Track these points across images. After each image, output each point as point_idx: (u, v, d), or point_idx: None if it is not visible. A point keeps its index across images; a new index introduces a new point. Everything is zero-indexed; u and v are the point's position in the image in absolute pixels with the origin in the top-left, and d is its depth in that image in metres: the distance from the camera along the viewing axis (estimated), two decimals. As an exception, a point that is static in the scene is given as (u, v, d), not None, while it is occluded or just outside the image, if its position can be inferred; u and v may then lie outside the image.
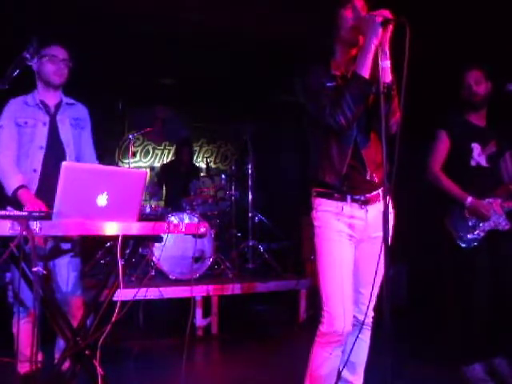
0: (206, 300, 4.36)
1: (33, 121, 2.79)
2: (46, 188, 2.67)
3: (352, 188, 2.13)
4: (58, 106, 2.90)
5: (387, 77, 2.00)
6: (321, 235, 2.17)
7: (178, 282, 4.44)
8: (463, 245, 3.03)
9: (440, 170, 3.13)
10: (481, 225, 3.03)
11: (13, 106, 2.80)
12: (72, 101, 2.98)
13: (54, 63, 2.82)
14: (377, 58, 1.96)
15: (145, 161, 7.83)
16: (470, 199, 3.02)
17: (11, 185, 2.65)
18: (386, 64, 2.00)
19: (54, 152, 2.79)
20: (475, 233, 3.03)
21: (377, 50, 1.96)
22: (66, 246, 2.80)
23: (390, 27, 1.95)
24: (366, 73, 2.00)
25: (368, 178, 2.14)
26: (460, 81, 3.15)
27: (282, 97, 6.97)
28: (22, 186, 2.64)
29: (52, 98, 2.89)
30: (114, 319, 2.17)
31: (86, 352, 2.30)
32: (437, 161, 3.15)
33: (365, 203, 2.15)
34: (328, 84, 2.12)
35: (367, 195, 2.15)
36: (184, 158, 6.24)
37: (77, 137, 2.92)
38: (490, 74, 3.12)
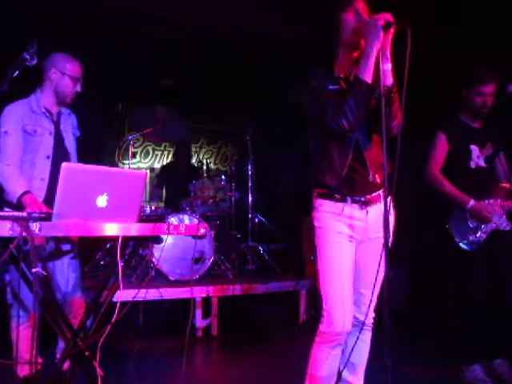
0: (206, 301, 4.35)
1: (40, 129, 2.77)
2: (54, 196, 2.65)
3: (352, 189, 2.13)
4: (59, 115, 2.90)
5: (388, 80, 2.00)
6: (321, 236, 2.17)
7: (177, 283, 4.43)
8: (466, 247, 3.03)
9: (440, 172, 3.12)
10: (482, 227, 3.03)
11: (19, 110, 2.74)
12: (68, 110, 2.99)
13: (73, 86, 2.82)
14: (378, 61, 1.96)
15: (145, 162, 7.83)
16: (471, 203, 3.02)
17: (16, 191, 2.63)
18: (387, 67, 2.00)
19: (61, 161, 2.74)
20: (477, 235, 3.02)
21: (378, 53, 1.97)
22: (65, 247, 2.80)
23: (392, 30, 1.95)
24: (368, 77, 2.00)
25: (370, 179, 2.14)
26: (463, 82, 3.13)
27: (282, 97, 6.97)
28: (26, 192, 2.62)
29: (55, 107, 2.88)
30: (113, 320, 2.17)
31: (86, 353, 2.30)
32: (436, 163, 3.14)
33: (365, 204, 2.15)
34: (330, 87, 2.12)
35: (368, 196, 2.15)
36: (182, 158, 6.25)
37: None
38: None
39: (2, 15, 4.47)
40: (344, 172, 2.12)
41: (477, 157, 3.11)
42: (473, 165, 3.10)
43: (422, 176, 3.18)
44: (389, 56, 2.00)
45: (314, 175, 2.20)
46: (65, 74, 2.79)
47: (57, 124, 2.86)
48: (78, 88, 2.85)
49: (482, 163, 3.11)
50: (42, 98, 2.82)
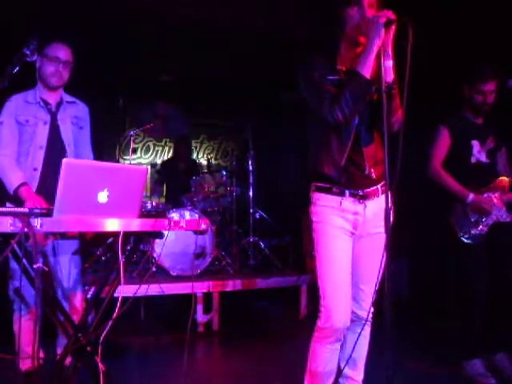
0: (207, 296, 4.36)
1: (34, 119, 2.77)
2: (47, 186, 2.67)
3: (350, 182, 2.13)
4: (59, 105, 2.87)
5: (389, 76, 2.01)
6: (319, 230, 2.17)
7: (179, 279, 4.44)
8: (467, 241, 3.04)
9: (441, 167, 3.14)
10: (483, 220, 3.04)
11: (13, 103, 2.77)
12: (73, 99, 2.95)
13: (53, 65, 2.77)
14: (379, 58, 1.97)
15: (145, 157, 7.83)
16: (471, 196, 3.04)
17: (13, 182, 2.64)
18: (388, 64, 2.01)
19: (55, 151, 2.77)
20: (479, 228, 3.04)
21: (379, 50, 1.97)
22: (67, 242, 2.80)
23: (393, 28, 1.96)
24: (366, 73, 2.01)
25: (366, 172, 2.14)
26: (464, 80, 3.14)
27: (282, 93, 6.96)
28: (23, 184, 2.64)
29: (53, 97, 2.86)
30: (115, 315, 2.17)
31: (88, 348, 2.31)
32: (438, 158, 3.15)
33: (363, 198, 2.15)
34: (329, 77, 2.12)
35: (366, 190, 2.15)
36: (182, 154, 6.25)
37: (76, 135, 2.90)
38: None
39: (1, 15, 4.46)
40: (342, 163, 2.11)
41: (477, 152, 3.13)
42: (473, 160, 3.13)
43: (424, 170, 3.20)
44: (390, 53, 2.00)
45: (313, 166, 2.20)
46: (44, 56, 2.76)
47: (54, 114, 2.84)
48: (61, 69, 2.78)
49: (484, 158, 3.13)
50: (39, 90, 2.83)
